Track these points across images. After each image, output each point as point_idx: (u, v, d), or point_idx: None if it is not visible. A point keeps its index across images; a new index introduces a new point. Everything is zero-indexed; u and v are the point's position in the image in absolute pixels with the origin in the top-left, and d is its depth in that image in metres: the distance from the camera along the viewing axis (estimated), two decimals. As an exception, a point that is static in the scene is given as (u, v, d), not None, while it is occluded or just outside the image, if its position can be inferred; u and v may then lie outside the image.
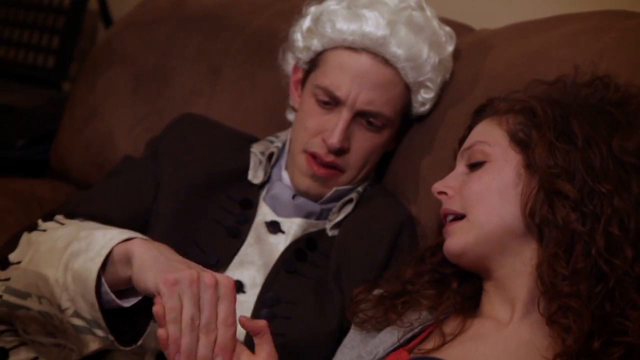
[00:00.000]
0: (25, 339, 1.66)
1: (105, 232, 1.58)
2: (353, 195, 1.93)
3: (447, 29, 1.97)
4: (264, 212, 1.92)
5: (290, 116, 2.06)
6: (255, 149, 1.98)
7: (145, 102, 2.42)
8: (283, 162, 1.97)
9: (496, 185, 1.58)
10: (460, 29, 2.10)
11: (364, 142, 1.91)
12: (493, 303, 1.60)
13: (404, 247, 1.86)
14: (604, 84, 1.66)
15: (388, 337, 1.62)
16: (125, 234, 1.56)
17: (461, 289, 1.64)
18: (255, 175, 1.95)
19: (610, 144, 1.55)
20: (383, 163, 2.02)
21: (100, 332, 1.55)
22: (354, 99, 1.87)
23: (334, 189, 1.92)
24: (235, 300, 1.48)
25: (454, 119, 1.94)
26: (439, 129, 1.97)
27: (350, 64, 1.88)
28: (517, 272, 1.56)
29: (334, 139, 1.87)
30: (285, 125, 2.07)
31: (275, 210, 1.92)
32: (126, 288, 1.56)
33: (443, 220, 1.65)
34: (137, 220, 1.87)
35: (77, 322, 1.56)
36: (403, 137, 2.01)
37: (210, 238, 1.88)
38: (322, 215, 1.93)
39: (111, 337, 1.55)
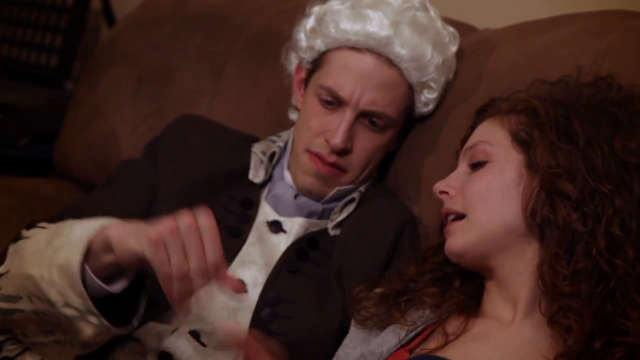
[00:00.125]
0: (27, 344, 1.68)
1: (83, 224, 1.60)
2: (355, 194, 1.93)
3: (451, 29, 1.97)
4: (266, 212, 1.91)
5: (293, 116, 2.06)
6: (257, 149, 1.98)
7: (147, 101, 2.42)
8: (285, 161, 1.97)
9: (498, 185, 1.58)
10: (463, 29, 2.10)
11: (367, 143, 1.91)
12: (495, 303, 1.59)
13: (406, 246, 1.86)
14: (606, 84, 1.65)
15: (391, 337, 1.62)
16: (103, 221, 1.58)
17: (463, 287, 1.64)
18: (256, 175, 1.95)
19: (612, 144, 1.55)
20: (385, 163, 2.02)
21: (93, 319, 1.57)
22: (357, 99, 1.87)
23: (336, 188, 1.92)
24: (218, 235, 1.51)
25: (457, 119, 1.93)
26: (442, 129, 1.97)
27: (353, 64, 1.88)
28: (519, 272, 1.56)
29: (337, 140, 1.87)
30: (287, 124, 2.07)
31: (277, 209, 1.92)
32: (116, 276, 1.59)
33: (444, 220, 1.65)
34: None
35: (68, 311, 1.58)
36: (406, 137, 2.01)
37: None
38: (324, 215, 1.93)
39: (105, 322, 1.57)
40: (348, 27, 1.88)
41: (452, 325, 1.59)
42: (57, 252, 1.58)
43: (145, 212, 1.89)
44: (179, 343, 1.77)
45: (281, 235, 1.89)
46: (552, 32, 1.97)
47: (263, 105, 2.28)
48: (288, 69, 2.04)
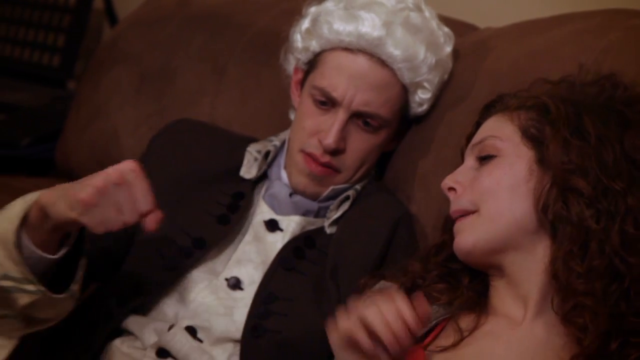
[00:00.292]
0: None
1: (24, 197, 1.62)
2: (350, 192, 1.93)
3: (446, 29, 1.96)
4: (263, 211, 1.92)
5: (293, 116, 2.07)
6: (252, 148, 1.99)
7: (150, 101, 2.42)
8: (282, 161, 1.98)
9: (508, 180, 1.57)
10: (464, 28, 2.10)
11: (361, 143, 1.91)
12: (504, 301, 1.58)
13: (400, 243, 1.87)
14: (611, 82, 1.65)
15: None
16: (42, 191, 1.60)
17: (472, 284, 1.62)
18: (247, 171, 1.96)
19: (622, 142, 1.55)
20: (384, 161, 2.02)
21: (31, 287, 1.59)
22: (350, 100, 1.87)
23: (331, 187, 1.92)
24: (146, 182, 1.54)
25: (457, 118, 1.93)
26: (442, 128, 1.97)
27: (347, 65, 1.88)
28: (530, 270, 1.55)
29: (330, 140, 1.88)
30: (289, 125, 2.07)
31: (274, 208, 1.92)
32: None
33: (453, 217, 1.63)
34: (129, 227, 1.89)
35: (5, 283, 1.59)
36: (404, 136, 2.01)
37: (199, 225, 1.88)
38: (320, 213, 1.93)
39: (41, 287, 1.59)
40: (341, 28, 1.88)
41: (465, 322, 1.57)
42: None
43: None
44: (176, 339, 1.78)
45: (277, 234, 1.89)
46: (553, 31, 1.97)
47: (265, 106, 2.28)
48: (287, 70, 2.05)
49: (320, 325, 1.76)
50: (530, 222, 1.55)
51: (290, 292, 1.81)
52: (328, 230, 1.91)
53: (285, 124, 2.08)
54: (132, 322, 1.83)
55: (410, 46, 1.88)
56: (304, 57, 1.97)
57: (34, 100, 2.89)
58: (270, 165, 1.98)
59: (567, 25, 1.96)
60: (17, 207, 1.60)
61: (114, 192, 1.52)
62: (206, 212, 1.90)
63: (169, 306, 1.84)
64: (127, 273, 1.88)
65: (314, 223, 1.92)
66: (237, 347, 1.78)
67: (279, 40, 2.07)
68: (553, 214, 1.52)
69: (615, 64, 1.77)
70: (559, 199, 1.52)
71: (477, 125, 1.69)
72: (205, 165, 1.97)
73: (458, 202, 1.61)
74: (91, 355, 1.82)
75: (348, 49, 1.89)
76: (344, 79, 1.88)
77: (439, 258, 1.66)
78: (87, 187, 1.52)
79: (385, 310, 1.37)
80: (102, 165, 2.39)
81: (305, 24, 1.96)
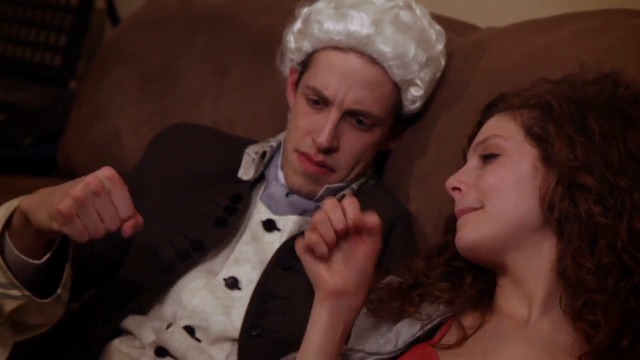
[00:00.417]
0: None
1: (9, 203, 1.62)
2: (347, 192, 1.93)
3: (438, 27, 1.97)
4: (261, 212, 1.92)
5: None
6: (250, 150, 1.99)
7: (151, 101, 2.43)
8: (279, 161, 1.98)
9: (512, 178, 1.56)
10: (465, 28, 2.10)
11: (355, 142, 1.91)
12: (509, 300, 1.58)
13: (397, 242, 1.87)
14: (613, 81, 1.64)
15: (407, 330, 1.59)
16: (25, 197, 1.60)
17: (475, 283, 1.61)
18: (246, 173, 1.96)
19: (626, 140, 1.54)
20: (385, 160, 2.02)
21: (16, 293, 1.60)
22: (342, 98, 1.88)
23: (326, 186, 1.92)
24: (125, 188, 1.54)
25: (458, 117, 1.93)
26: (443, 127, 1.97)
27: (338, 64, 1.89)
28: (535, 268, 1.54)
29: (323, 139, 1.88)
30: (291, 125, 2.08)
31: (271, 208, 1.93)
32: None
33: (457, 217, 1.63)
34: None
35: None
36: (403, 135, 2.02)
37: (197, 228, 1.89)
38: (318, 213, 1.94)
39: (26, 292, 1.60)
40: (331, 27, 1.89)
41: (469, 320, 1.57)
42: None
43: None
44: (175, 337, 1.79)
45: (275, 234, 1.90)
46: (554, 31, 1.97)
47: (267, 107, 2.28)
48: (283, 72, 2.05)
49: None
50: (536, 220, 1.54)
51: (287, 291, 1.81)
52: (326, 230, 1.91)
53: (287, 125, 2.08)
54: (131, 322, 1.84)
55: (401, 44, 1.88)
56: (298, 58, 1.98)
57: (36, 100, 2.90)
58: (267, 166, 1.99)
59: (568, 26, 1.96)
60: (0, 213, 1.61)
61: (94, 201, 1.52)
62: (204, 215, 1.91)
63: (167, 307, 1.85)
64: (125, 276, 1.89)
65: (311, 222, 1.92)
66: (236, 347, 1.79)
67: (281, 41, 2.07)
68: (560, 212, 1.52)
69: (616, 64, 1.77)
70: (565, 197, 1.52)
71: (479, 125, 1.69)
72: (204, 167, 1.98)
73: (463, 201, 1.61)
74: (90, 356, 1.83)
75: (339, 48, 1.90)
76: (336, 77, 1.88)
77: (442, 259, 1.66)
78: (66, 197, 1.52)
79: (329, 212, 1.50)
80: (104, 165, 2.39)
81: (298, 24, 1.97)
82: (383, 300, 1.63)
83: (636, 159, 1.54)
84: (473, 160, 1.63)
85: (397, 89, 1.93)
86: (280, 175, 1.96)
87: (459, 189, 1.61)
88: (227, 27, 2.40)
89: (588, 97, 1.61)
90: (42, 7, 3.10)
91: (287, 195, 1.93)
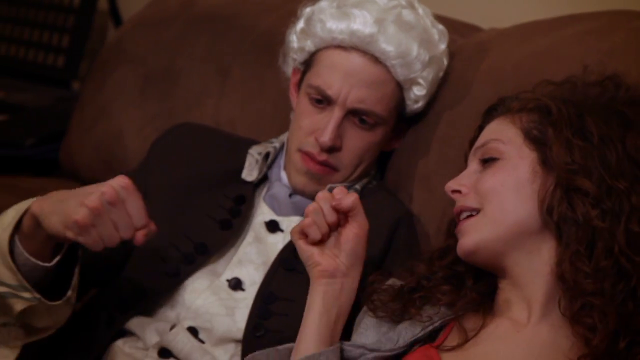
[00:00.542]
0: None
1: (19, 204, 1.63)
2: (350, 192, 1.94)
3: (441, 27, 1.97)
4: (264, 212, 1.93)
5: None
6: (254, 150, 1.99)
7: (154, 101, 2.43)
8: (282, 161, 1.98)
9: (511, 181, 1.57)
10: (468, 29, 2.10)
11: (357, 141, 1.92)
12: (509, 302, 1.58)
13: (401, 243, 1.87)
14: (614, 83, 1.65)
15: (408, 331, 1.60)
16: (35, 199, 1.61)
17: (476, 286, 1.62)
18: (249, 174, 1.96)
19: (624, 142, 1.55)
20: (387, 160, 2.03)
21: (27, 294, 1.60)
22: (344, 97, 1.88)
23: (329, 186, 1.92)
24: (139, 197, 1.56)
25: (460, 118, 1.94)
26: (445, 128, 1.97)
27: (340, 63, 1.89)
28: (534, 271, 1.55)
29: (325, 137, 1.88)
30: (294, 125, 2.08)
31: (274, 209, 1.93)
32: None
33: (457, 219, 1.63)
34: None
35: (1, 289, 1.61)
36: (404, 136, 2.02)
37: (201, 230, 1.89)
38: (320, 214, 1.94)
39: (36, 295, 1.60)
40: (333, 26, 1.89)
41: (469, 322, 1.58)
42: None
43: None
44: (178, 338, 1.79)
45: (278, 235, 1.90)
46: (557, 32, 1.97)
47: (269, 107, 2.28)
48: (286, 72, 2.05)
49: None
50: (535, 224, 1.55)
51: (291, 292, 1.81)
52: (329, 231, 1.91)
53: (289, 125, 2.08)
54: (134, 323, 1.84)
55: (403, 43, 1.88)
56: (300, 58, 1.98)
57: (38, 100, 2.90)
58: (270, 166, 1.99)
59: (571, 27, 1.96)
60: (10, 215, 1.61)
61: (109, 211, 1.53)
62: (208, 217, 1.91)
63: (170, 308, 1.85)
64: (129, 278, 1.89)
65: None
66: (239, 347, 1.79)
67: (283, 41, 2.07)
68: (558, 215, 1.52)
69: (619, 65, 1.77)
70: (563, 200, 1.52)
71: (480, 129, 1.69)
72: (207, 168, 1.98)
73: (463, 200, 1.61)
74: (93, 357, 1.83)
75: (341, 47, 1.90)
76: (339, 76, 1.89)
77: (444, 262, 1.66)
78: (82, 207, 1.52)
79: (321, 203, 1.63)
80: (106, 165, 2.43)
81: (300, 24, 1.97)
82: (385, 301, 1.64)
83: (634, 161, 1.54)
84: (473, 165, 1.64)
85: (400, 88, 1.93)
86: (283, 175, 1.96)
87: (459, 191, 1.62)
88: (230, 27, 2.40)
89: (587, 99, 1.62)
90: (44, 7, 3.10)
91: (290, 195, 1.94)
